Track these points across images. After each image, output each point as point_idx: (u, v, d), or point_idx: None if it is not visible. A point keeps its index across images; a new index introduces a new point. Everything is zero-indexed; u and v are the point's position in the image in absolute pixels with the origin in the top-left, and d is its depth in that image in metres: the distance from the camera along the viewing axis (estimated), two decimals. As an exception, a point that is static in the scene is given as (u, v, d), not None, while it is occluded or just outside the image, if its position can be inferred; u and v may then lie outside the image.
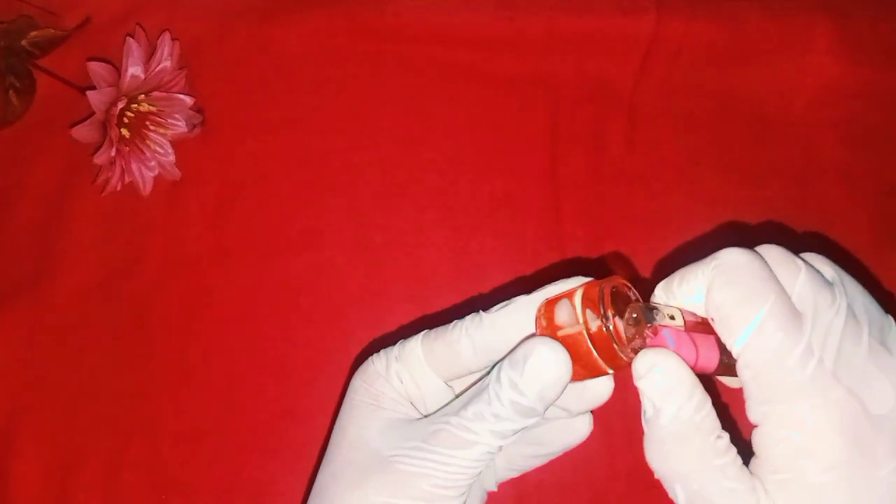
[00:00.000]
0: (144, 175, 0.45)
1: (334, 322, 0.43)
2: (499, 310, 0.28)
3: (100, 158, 0.42)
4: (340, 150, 0.46)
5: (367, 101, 0.47)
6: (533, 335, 0.26)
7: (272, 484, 0.40)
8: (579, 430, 0.28)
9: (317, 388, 0.42)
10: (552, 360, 0.25)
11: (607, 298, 0.25)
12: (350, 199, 0.45)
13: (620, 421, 0.41)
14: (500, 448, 0.26)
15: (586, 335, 0.25)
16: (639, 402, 0.42)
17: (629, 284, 0.27)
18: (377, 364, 0.29)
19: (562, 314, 0.26)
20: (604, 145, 0.46)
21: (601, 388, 0.27)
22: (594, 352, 0.25)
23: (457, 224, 0.45)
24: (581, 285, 0.26)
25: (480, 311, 0.28)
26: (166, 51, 0.43)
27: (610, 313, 0.25)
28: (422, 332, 0.29)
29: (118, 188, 0.44)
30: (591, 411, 0.29)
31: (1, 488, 0.40)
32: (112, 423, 0.41)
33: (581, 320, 0.25)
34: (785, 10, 0.48)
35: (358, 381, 0.29)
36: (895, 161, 0.46)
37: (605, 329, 0.25)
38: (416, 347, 0.29)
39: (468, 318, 0.28)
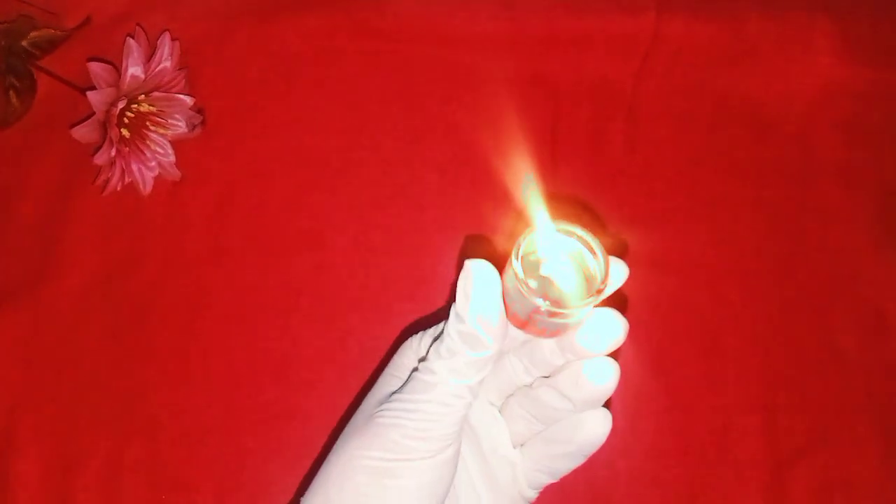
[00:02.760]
0: (144, 175, 0.45)
1: (334, 322, 0.43)
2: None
3: (100, 159, 0.42)
4: (340, 150, 0.46)
5: (367, 101, 0.47)
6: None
7: (272, 484, 0.40)
8: (592, 426, 0.27)
9: (317, 388, 0.42)
10: (475, 276, 0.25)
11: (517, 250, 0.24)
12: (350, 199, 0.45)
13: (620, 421, 0.41)
14: (468, 390, 0.25)
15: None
16: (638, 405, 0.42)
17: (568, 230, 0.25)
18: (413, 340, 0.29)
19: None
20: (604, 145, 0.46)
21: (596, 376, 0.26)
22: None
23: (457, 224, 0.45)
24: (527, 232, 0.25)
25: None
26: (166, 51, 0.43)
27: (516, 269, 0.24)
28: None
29: (118, 188, 0.44)
30: (608, 408, 0.28)
31: (1, 488, 0.40)
32: (112, 423, 0.41)
33: (510, 270, 0.24)
34: (785, 10, 0.48)
35: (394, 355, 0.29)
36: (895, 161, 0.46)
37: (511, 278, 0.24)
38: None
39: None
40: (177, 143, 0.45)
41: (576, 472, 0.41)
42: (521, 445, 0.29)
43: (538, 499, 0.40)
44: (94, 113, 0.41)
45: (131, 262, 0.44)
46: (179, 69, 0.45)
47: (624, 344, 0.42)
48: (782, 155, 0.47)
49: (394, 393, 0.27)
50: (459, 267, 0.26)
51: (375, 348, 0.42)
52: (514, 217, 0.45)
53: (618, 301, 0.27)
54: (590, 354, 0.26)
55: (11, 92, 0.45)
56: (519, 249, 0.24)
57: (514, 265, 0.24)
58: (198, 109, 0.46)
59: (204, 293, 0.44)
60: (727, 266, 0.44)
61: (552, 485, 0.41)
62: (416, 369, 0.27)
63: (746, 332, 0.43)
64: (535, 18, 0.47)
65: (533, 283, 0.24)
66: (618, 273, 0.26)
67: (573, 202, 0.44)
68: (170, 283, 0.44)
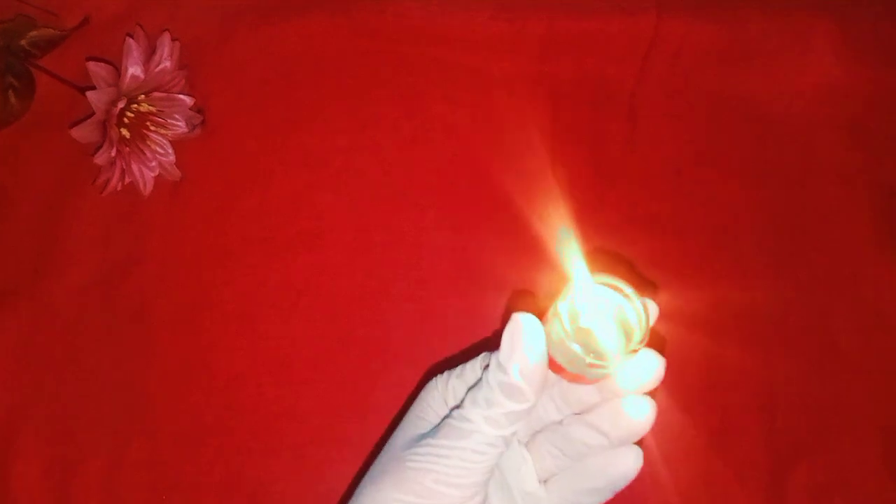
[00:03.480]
0: (145, 175, 0.45)
1: (334, 322, 0.43)
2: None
3: (100, 159, 0.42)
4: (340, 150, 0.46)
5: (369, 102, 0.47)
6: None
7: (272, 484, 0.40)
8: (624, 462, 0.27)
9: (317, 388, 0.42)
10: (522, 332, 0.25)
11: (558, 302, 0.25)
12: (350, 199, 0.45)
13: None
14: (502, 440, 0.26)
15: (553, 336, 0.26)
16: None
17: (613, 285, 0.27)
18: (438, 381, 0.29)
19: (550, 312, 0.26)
20: (604, 145, 0.46)
21: (636, 412, 0.27)
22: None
23: (457, 224, 0.45)
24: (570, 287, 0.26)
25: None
26: (166, 51, 0.43)
27: (562, 323, 0.25)
28: (483, 353, 0.29)
29: (118, 188, 0.44)
30: (640, 445, 0.28)
31: (1, 488, 0.40)
32: (112, 423, 0.41)
33: (553, 322, 0.26)
34: (785, 10, 0.48)
35: (419, 396, 0.30)
36: (895, 161, 0.46)
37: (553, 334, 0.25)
38: (475, 364, 0.29)
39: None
40: (177, 143, 0.45)
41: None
42: (546, 482, 0.29)
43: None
44: (93, 113, 0.41)
45: (131, 261, 0.44)
46: (179, 69, 0.45)
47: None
48: (782, 155, 0.47)
49: (424, 436, 0.27)
50: (505, 319, 0.27)
51: (375, 349, 0.42)
52: (515, 217, 0.45)
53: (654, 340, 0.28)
54: (628, 393, 0.27)
55: (10, 91, 0.45)
56: (562, 302, 0.25)
57: (559, 318, 0.25)
58: (198, 109, 0.46)
59: (204, 293, 0.44)
60: (727, 266, 0.44)
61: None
62: (449, 415, 0.27)
63: (746, 333, 0.43)
64: (535, 18, 0.47)
65: (574, 335, 0.25)
66: (652, 314, 0.27)
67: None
68: (170, 283, 0.44)
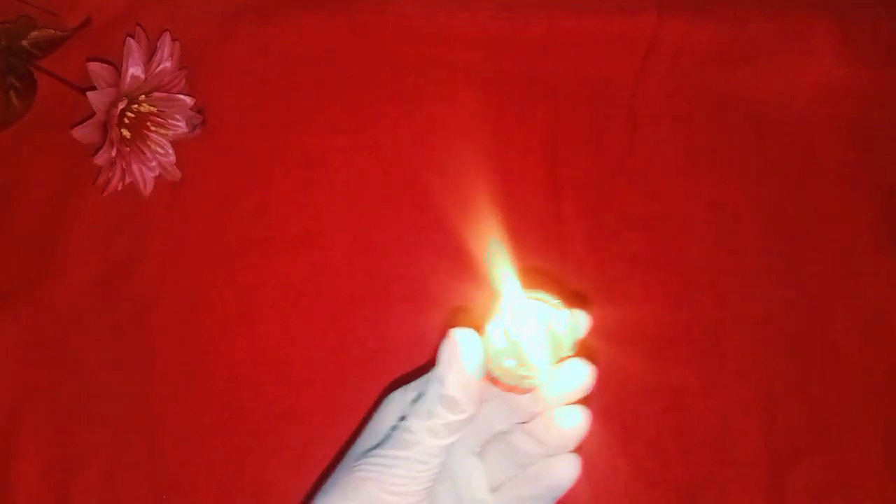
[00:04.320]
0: (145, 175, 0.45)
1: (334, 322, 0.43)
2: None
3: (100, 159, 0.42)
4: (340, 150, 0.46)
5: (368, 102, 0.47)
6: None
7: (272, 484, 0.40)
8: (560, 470, 0.29)
9: (316, 388, 0.42)
10: (457, 346, 0.27)
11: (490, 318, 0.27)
12: (350, 200, 0.45)
13: (620, 421, 0.41)
14: (442, 450, 0.27)
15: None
16: (638, 405, 0.42)
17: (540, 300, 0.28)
18: (396, 395, 0.30)
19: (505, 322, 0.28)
20: (604, 145, 0.46)
21: (567, 422, 0.28)
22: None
23: (457, 224, 0.45)
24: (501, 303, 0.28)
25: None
26: (167, 51, 0.43)
27: (493, 337, 0.27)
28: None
29: (119, 189, 0.44)
30: (580, 454, 0.29)
31: (1, 488, 0.40)
32: (112, 423, 0.41)
33: (487, 336, 0.27)
34: (785, 10, 0.48)
35: (376, 410, 0.31)
36: (895, 161, 0.46)
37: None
38: (425, 379, 0.30)
39: None
40: (177, 144, 0.45)
41: (576, 472, 0.41)
42: (496, 490, 0.30)
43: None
44: (94, 113, 0.41)
45: (131, 262, 0.44)
46: (180, 69, 0.45)
47: (624, 344, 0.42)
48: (782, 155, 0.47)
49: (375, 447, 0.29)
50: (442, 333, 0.28)
51: (375, 348, 0.42)
52: (515, 217, 0.45)
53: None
54: (559, 402, 0.28)
55: (11, 92, 0.45)
56: (494, 318, 0.27)
57: (491, 333, 0.27)
58: (198, 109, 0.46)
59: (204, 293, 0.44)
60: (727, 266, 0.44)
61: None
62: (396, 426, 0.28)
63: (746, 332, 0.43)
64: (535, 18, 0.47)
65: (506, 348, 0.27)
66: (583, 324, 0.28)
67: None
68: (170, 283, 0.44)
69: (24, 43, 0.46)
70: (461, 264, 0.44)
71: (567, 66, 0.48)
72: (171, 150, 0.45)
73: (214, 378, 0.42)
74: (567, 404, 0.28)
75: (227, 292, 0.44)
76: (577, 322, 0.28)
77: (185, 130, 0.45)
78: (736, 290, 0.44)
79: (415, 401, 0.28)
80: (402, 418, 0.28)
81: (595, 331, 0.43)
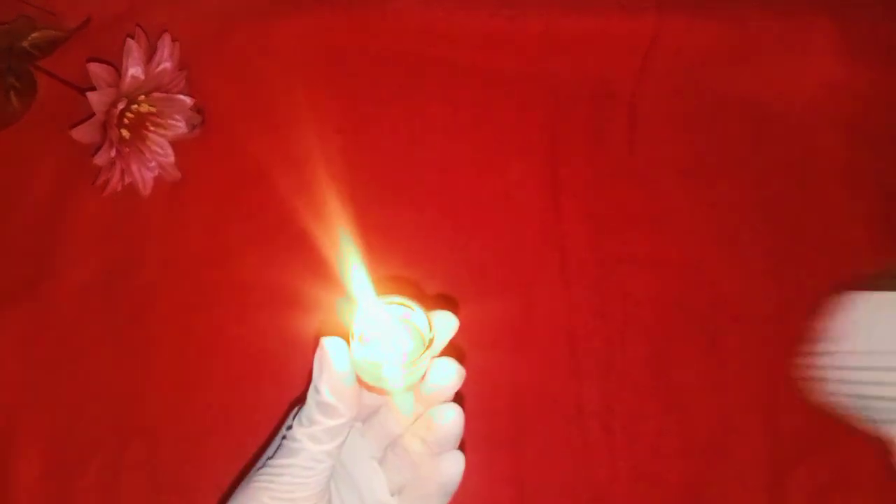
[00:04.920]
0: (144, 176, 0.45)
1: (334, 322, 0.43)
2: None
3: (100, 159, 0.42)
4: (340, 149, 0.46)
5: (368, 101, 0.47)
6: None
7: (272, 484, 0.40)
8: (446, 468, 0.29)
9: (317, 389, 0.42)
10: (327, 354, 0.28)
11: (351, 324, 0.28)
12: (350, 199, 0.45)
13: (620, 420, 0.41)
14: (326, 454, 0.28)
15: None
16: (637, 404, 0.42)
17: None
18: (297, 408, 0.31)
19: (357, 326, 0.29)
20: (604, 145, 0.46)
21: (441, 418, 0.28)
22: None
23: (457, 224, 0.45)
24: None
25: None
26: (166, 51, 0.43)
27: (352, 342, 0.28)
28: None
29: (118, 189, 0.44)
30: (462, 451, 0.30)
31: (1, 488, 0.40)
32: (112, 423, 0.41)
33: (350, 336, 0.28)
34: (786, 10, 0.48)
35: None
36: (895, 161, 0.46)
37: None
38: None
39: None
40: (177, 144, 0.45)
41: (576, 472, 0.41)
42: (398, 493, 0.31)
43: (534, 502, 0.40)
44: (94, 113, 0.41)
45: (131, 262, 0.44)
46: (179, 70, 0.45)
47: (625, 343, 0.42)
48: (782, 155, 0.47)
49: (270, 457, 0.30)
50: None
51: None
52: (515, 218, 0.45)
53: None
54: (439, 400, 0.29)
55: (11, 92, 0.45)
56: (353, 325, 0.28)
57: (352, 341, 0.28)
58: (198, 110, 0.46)
59: (204, 293, 0.44)
60: (727, 266, 0.44)
61: (553, 484, 0.41)
62: (284, 435, 0.29)
63: (746, 332, 0.43)
64: (534, 18, 0.47)
65: (370, 352, 0.28)
66: (447, 325, 0.29)
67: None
68: (170, 283, 0.44)
69: (25, 43, 0.46)
70: (461, 264, 0.44)
71: (567, 66, 0.48)
72: (170, 150, 0.45)
73: (214, 378, 0.42)
74: (443, 402, 0.29)
75: (227, 292, 0.44)
76: (444, 322, 0.29)
77: (185, 130, 0.45)
78: (736, 290, 0.44)
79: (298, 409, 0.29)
80: (289, 427, 0.29)
81: (596, 330, 0.43)
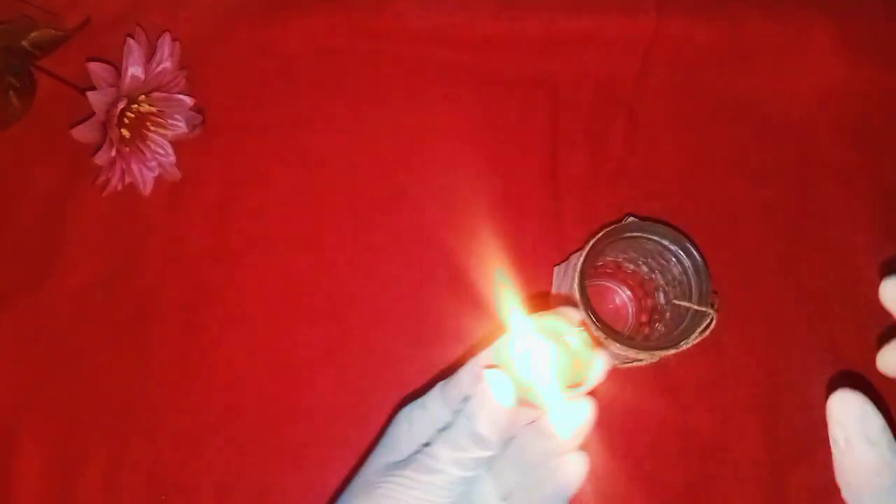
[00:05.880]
0: (145, 175, 0.45)
1: (333, 322, 0.43)
2: (487, 350, 0.30)
3: (100, 159, 0.42)
4: (340, 150, 0.46)
5: (367, 101, 0.47)
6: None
7: (272, 484, 0.40)
8: (570, 468, 0.29)
9: (316, 388, 0.42)
10: (489, 388, 0.27)
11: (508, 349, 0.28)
12: (350, 199, 0.45)
13: (620, 420, 0.41)
14: (465, 481, 0.28)
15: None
16: (638, 405, 0.42)
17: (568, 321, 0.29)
18: (406, 412, 0.31)
19: (504, 353, 0.28)
20: (604, 145, 0.46)
21: (579, 413, 0.28)
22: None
23: (456, 224, 0.45)
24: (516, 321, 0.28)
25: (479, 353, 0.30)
26: (166, 51, 0.43)
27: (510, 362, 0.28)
28: (441, 381, 0.31)
29: (119, 189, 0.44)
30: (586, 452, 0.29)
31: (1, 488, 0.40)
32: (112, 423, 0.41)
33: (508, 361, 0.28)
34: (785, 11, 0.48)
35: (389, 426, 0.31)
36: (895, 161, 0.46)
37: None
38: (435, 393, 0.31)
39: (471, 359, 0.30)
40: (177, 144, 0.45)
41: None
42: (507, 499, 0.30)
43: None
44: (94, 113, 0.41)
45: (131, 262, 0.44)
46: (180, 69, 0.45)
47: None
48: (782, 155, 0.47)
49: (394, 465, 0.29)
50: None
51: (375, 348, 0.42)
52: (515, 218, 0.45)
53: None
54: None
55: (11, 92, 0.45)
56: (508, 346, 0.28)
57: (509, 364, 0.27)
58: (198, 109, 0.46)
59: (204, 293, 0.44)
60: (727, 266, 0.44)
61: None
62: (420, 450, 0.29)
63: (746, 332, 0.43)
64: (534, 18, 0.47)
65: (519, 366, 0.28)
66: (599, 369, 0.29)
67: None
68: (170, 283, 0.44)
69: (25, 43, 0.46)
70: (461, 264, 0.44)
71: (567, 66, 0.48)
72: (170, 150, 0.45)
73: (214, 378, 0.42)
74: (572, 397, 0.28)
75: (228, 292, 0.44)
76: (596, 364, 0.28)
77: (185, 130, 0.45)
78: (736, 291, 0.44)
79: (441, 429, 0.29)
80: (427, 444, 0.29)
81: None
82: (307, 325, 0.43)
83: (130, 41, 0.42)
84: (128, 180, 0.44)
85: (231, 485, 0.40)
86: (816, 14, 0.47)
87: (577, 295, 0.34)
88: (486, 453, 0.28)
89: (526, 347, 0.28)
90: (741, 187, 0.46)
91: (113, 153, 0.42)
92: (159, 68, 0.43)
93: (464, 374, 0.30)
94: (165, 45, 0.43)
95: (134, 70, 0.42)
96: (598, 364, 0.29)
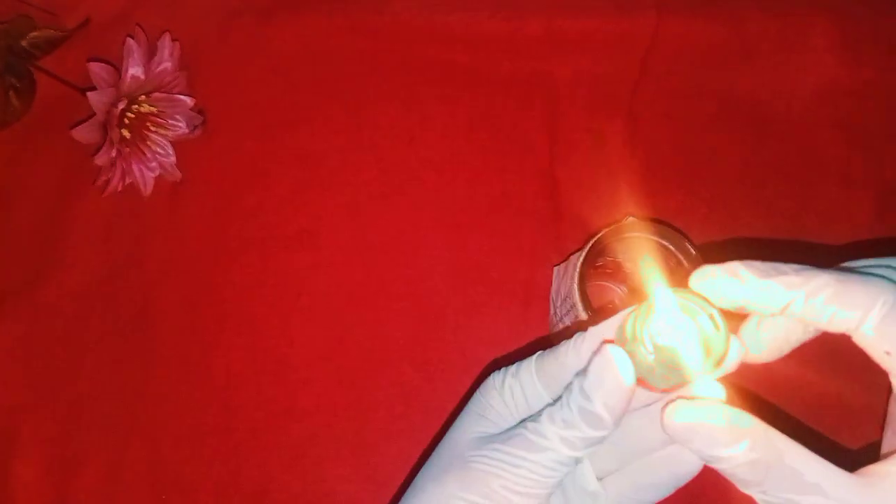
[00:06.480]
0: (145, 176, 0.45)
1: (333, 321, 0.43)
2: (601, 324, 0.28)
3: (100, 159, 0.42)
4: (339, 149, 0.46)
5: (367, 102, 0.47)
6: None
7: (272, 483, 0.40)
8: (688, 460, 0.27)
9: (316, 387, 0.42)
10: (612, 365, 0.25)
11: (639, 324, 0.25)
12: (349, 199, 0.45)
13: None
14: (574, 460, 0.26)
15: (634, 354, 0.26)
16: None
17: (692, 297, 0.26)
18: (495, 379, 0.30)
19: (628, 328, 0.26)
20: (603, 145, 0.46)
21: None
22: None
23: (455, 224, 0.45)
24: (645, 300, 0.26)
25: (589, 328, 0.28)
26: (167, 52, 0.43)
27: (640, 338, 0.25)
28: (538, 352, 0.29)
29: (119, 189, 0.44)
30: None
31: (1, 488, 0.40)
32: (112, 423, 0.41)
33: (636, 337, 0.26)
34: (785, 10, 0.48)
35: (476, 392, 0.30)
36: (895, 160, 0.46)
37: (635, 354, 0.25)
38: (530, 364, 0.29)
39: (576, 335, 0.28)
40: (177, 144, 0.45)
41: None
42: (602, 479, 0.29)
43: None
44: (94, 113, 0.41)
45: (132, 262, 0.44)
46: (180, 69, 0.45)
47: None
48: (782, 155, 0.47)
49: (489, 438, 0.28)
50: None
51: (374, 348, 0.42)
52: (514, 217, 0.45)
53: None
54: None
55: (11, 92, 0.45)
56: (643, 323, 0.25)
57: (641, 341, 0.25)
58: (198, 110, 0.46)
59: (204, 293, 0.44)
60: (727, 266, 0.44)
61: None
62: (523, 425, 0.27)
63: (746, 332, 0.43)
64: (534, 18, 0.47)
65: (655, 355, 0.25)
66: (735, 350, 0.27)
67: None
68: (170, 283, 0.44)
69: (24, 43, 0.46)
70: (460, 264, 0.44)
71: (566, 66, 0.48)
72: (171, 151, 0.45)
73: (214, 377, 0.42)
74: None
75: (227, 292, 0.44)
76: (732, 346, 0.27)
77: (185, 130, 0.45)
78: (736, 290, 0.44)
79: (549, 404, 0.27)
80: (524, 419, 0.27)
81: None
82: (306, 325, 0.43)
83: (130, 41, 0.42)
84: (128, 180, 0.44)
85: (231, 485, 0.40)
86: (816, 13, 0.47)
87: (576, 295, 0.34)
88: (600, 433, 0.26)
89: (669, 323, 0.25)
90: (741, 187, 0.46)
91: (113, 153, 0.42)
92: (159, 68, 0.43)
93: (568, 348, 0.28)
94: (165, 46, 0.43)
95: (134, 70, 0.42)
96: (734, 347, 0.27)
